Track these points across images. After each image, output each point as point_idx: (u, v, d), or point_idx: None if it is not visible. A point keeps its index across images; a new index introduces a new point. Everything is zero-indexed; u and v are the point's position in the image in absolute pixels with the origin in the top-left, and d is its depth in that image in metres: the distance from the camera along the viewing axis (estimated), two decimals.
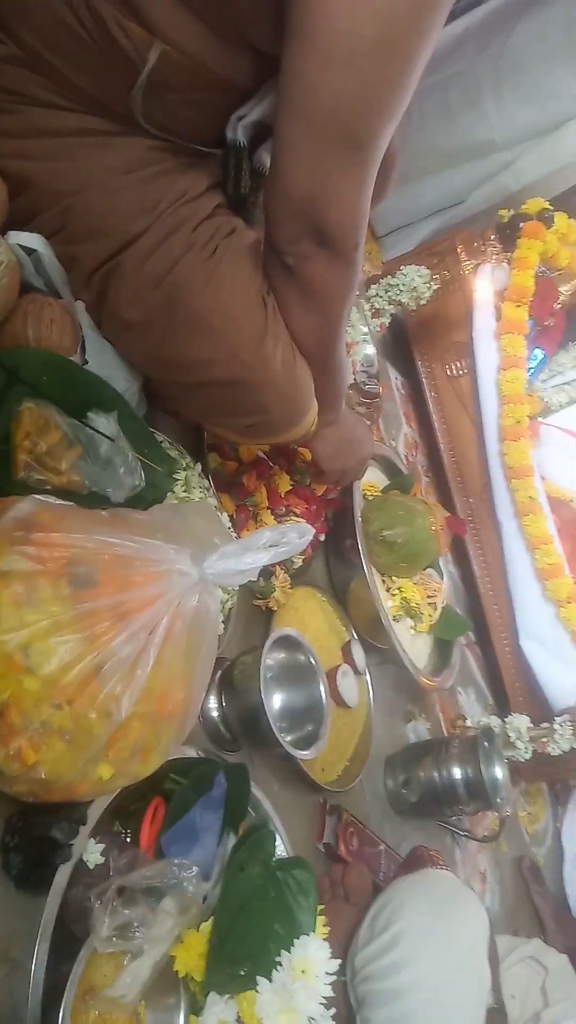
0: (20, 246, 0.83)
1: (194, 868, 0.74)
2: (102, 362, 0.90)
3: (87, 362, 0.90)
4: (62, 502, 0.74)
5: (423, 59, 0.70)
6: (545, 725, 1.62)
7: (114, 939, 0.69)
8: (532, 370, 2.04)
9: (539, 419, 1.99)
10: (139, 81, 0.78)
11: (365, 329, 1.74)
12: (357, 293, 1.67)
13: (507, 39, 1.61)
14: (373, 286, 1.80)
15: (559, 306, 2.03)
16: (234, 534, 1.05)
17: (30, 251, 0.85)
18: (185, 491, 0.99)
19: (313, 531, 0.73)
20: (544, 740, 1.60)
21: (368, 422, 1.62)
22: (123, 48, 0.75)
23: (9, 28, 0.78)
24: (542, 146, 1.87)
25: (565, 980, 1.40)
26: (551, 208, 1.89)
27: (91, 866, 0.73)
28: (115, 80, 0.79)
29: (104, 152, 0.82)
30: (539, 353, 2.09)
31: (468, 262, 1.88)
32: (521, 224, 1.86)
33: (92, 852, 0.73)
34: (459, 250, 1.89)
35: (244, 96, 0.84)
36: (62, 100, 0.81)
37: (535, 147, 1.93)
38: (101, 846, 0.74)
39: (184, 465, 1.02)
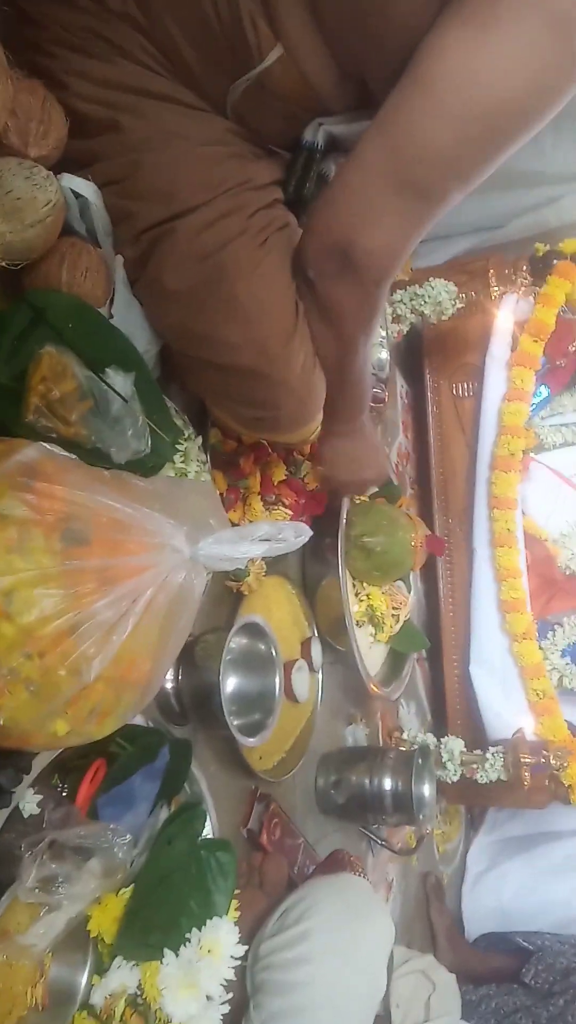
0: (72, 190, 0.81)
1: (128, 835, 0.75)
2: (128, 320, 0.89)
3: (112, 316, 0.89)
4: (67, 454, 0.74)
5: (516, 146, 0.74)
6: (478, 752, 1.65)
7: (37, 890, 0.69)
8: (535, 406, 2.06)
9: (531, 455, 2.01)
10: (247, 75, 0.80)
11: (383, 333, 1.74)
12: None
13: None
14: (399, 291, 1.81)
15: (574, 348, 2.05)
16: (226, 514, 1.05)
17: (78, 195, 0.84)
18: (183, 462, 0.99)
19: (310, 533, 0.73)
20: (474, 766, 1.63)
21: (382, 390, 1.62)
22: (247, 42, 0.78)
23: None
24: None
25: (448, 998, 1.45)
26: None
27: (26, 815, 0.73)
28: (224, 68, 0.81)
29: (185, 121, 0.83)
30: (544, 390, 2.11)
31: (496, 288, 1.89)
32: (555, 261, 1.87)
33: (29, 801, 0.74)
34: (490, 274, 1.89)
35: (325, 115, 0.86)
36: (160, 67, 0.82)
37: None
38: (39, 797, 0.75)
39: (187, 436, 1.01)
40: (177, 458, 0.98)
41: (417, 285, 1.80)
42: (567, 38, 0.68)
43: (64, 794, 0.80)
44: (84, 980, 0.79)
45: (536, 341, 1.84)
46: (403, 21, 0.74)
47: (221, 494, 1.08)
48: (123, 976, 0.78)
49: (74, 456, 0.74)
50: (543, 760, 1.61)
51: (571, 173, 1.95)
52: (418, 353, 2.01)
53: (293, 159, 0.92)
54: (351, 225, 0.78)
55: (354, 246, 0.78)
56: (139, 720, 0.91)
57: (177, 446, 0.98)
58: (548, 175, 1.97)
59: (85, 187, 0.82)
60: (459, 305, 1.81)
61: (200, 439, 1.04)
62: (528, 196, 2.04)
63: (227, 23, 0.78)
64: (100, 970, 0.79)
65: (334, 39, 0.79)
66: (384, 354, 1.71)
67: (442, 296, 1.76)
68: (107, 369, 0.82)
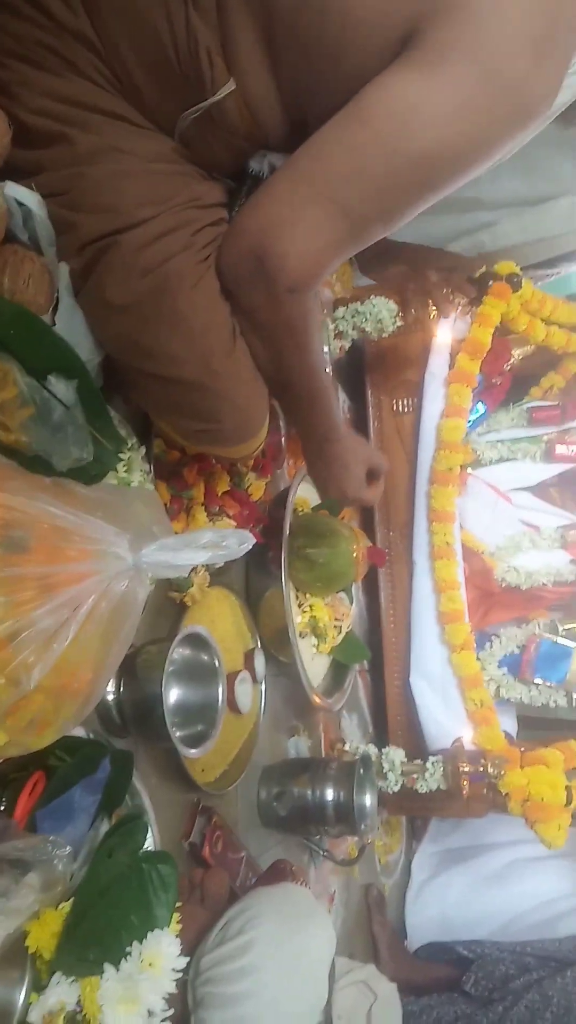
0: (15, 199, 0.81)
1: (67, 847, 0.74)
2: (71, 328, 0.89)
3: (55, 324, 0.89)
4: (7, 460, 0.73)
5: (442, 193, 0.79)
6: (418, 762, 1.67)
7: None
8: (472, 422, 2.11)
9: (469, 470, 2.06)
10: (198, 106, 0.82)
11: (325, 349, 1.77)
12: (323, 314, 1.70)
13: None
14: (340, 308, 1.84)
15: (508, 367, 2.12)
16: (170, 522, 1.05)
17: (22, 204, 0.84)
18: (127, 471, 0.99)
19: (253, 540, 0.74)
20: (415, 776, 1.65)
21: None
22: (202, 74, 0.80)
23: (92, 5, 0.79)
24: (523, 216, 1.94)
25: (390, 1008, 1.45)
26: (520, 274, 1.97)
27: None
28: (176, 96, 0.83)
29: (132, 137, 0.84)
30: (481, 407, 2.17)
31: (434, 307, 1.94)
32: (490, 282, 1.93)
33: None
34: (428, 293, 1.94)
35: (266, 147, 0.90)
36: (109, 86, 0.83)
37: (517, 215, 2.00)
38: None
39: (130, 446, 1.01)
40: (120, 467, 0.98)
41: (359, 302, 1.83)
42: (501, 96, 0.73)
43: (2, 807, 0.79)
44: (21, 998, 0.77)
45: (473, 359, 1.89)
46: (354, 70, 0.78)
47: (165, 504, 1.08)
48: (62, 992, 0.76)
49: (14, 463, 0.73)
50: (481, 769, 1.64)
51: (506, 200, 2.02)
52: (360, 369, 2.05)
53: (239, 186, 0.95)
54: (267, 229, 0.79)
55: (267, 251, 0.79)
56: (79, 731, 0.90)
57: (120, 455, 0.97)
58: (485, 202, 2.04)
59: (28, 196, 0.81)
60: (399, 323, 1.85)
61: (144, 449, 1.04)
62: (464, 220, 2.10)
63: (184, 54, 0.80)
64: (38, 987, 0.77)
65: (284, 80, 0.82)
66: (327, 370, 1.74)
67: (383, 314, 1.80)
68: (49, 376, 0.82)
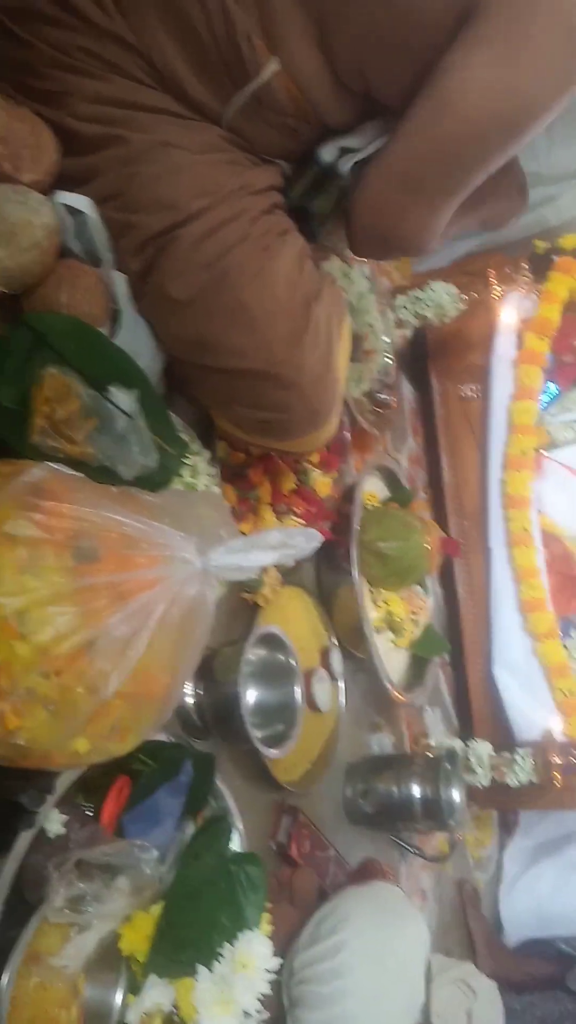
0: (66, 206, 0.82)
1: (154, 851, 0.75)
2: (131, 337, 0.90)
3: (114, 335, 0.90)
4: (73, 472, 0.74)
5: (528, 139, 0.83)
6: (506, 755, 1.63)
7: (66, 910, 0.69)
8: (544, 403, 2.05)
9: (544, 452, 2.00)
10: (243, 91, 0.83)
11: (386, 339, 1.74)
12: (382, 303, 1.68)
13: None
14: (400, 296, 1.81)
15: None
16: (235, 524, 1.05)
17: (75, 212, 0.85)
18: (192, 477, 1.00)
19: (321, 537, 0.73)
20: (503, 769, 1.61)
21: (376, 431, 1.62)
22: (242, 58, 0.80)
23: (127, 4, 0.81)
24: None
25: (490, 1006, 1.42)
26: None
27: (51, 835, 0.73)
28: (219, 84, 0.83)
29: (179, 131, 0.84)
30: (553, 387, 2.10)
31: (497, 287, 1.89)
32: (555, 258, 1.87)
33: (54, 822, 0.73)
34: (490, 273, 1.89)
35: (325, 129, 0.91)
36: (153, 82, 0.83)
37: None
38: (64, 817, 0.75)
39: (194, 450, 1.02)
40: (186, 472, 0.98)
41: (418, 289, 1.80)
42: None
43: (89, 813, 0.80)
44: (119, 1000, 0.78)
45: (542, 338, 1.83)
46: (418, 36, 0.79)
47: (232, 507, 1.08)
48: (158, 994, 0.77)
49: (81, 475, 0.75)
50: (574, 760, 1.59)
51: (566, 173, 1.95)
52: (423, 357, 2.01)
53: (299, 169, 0.94)
54: (387, 227, 0.90)
55: (392, 236, 0.90)
56: (161, 736, 0.90)
57: (185, 460, 0.98)
58: (545, 176, 1.97)
59: (81, 201, 0.83)
60: (461, 307, 1.81)
61: (208, 453, 1.04)
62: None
63: (222, 40, 0.80)
64: (134, 989, 0.78)
65: (337, 54, 0.81)
66: (388, 360, 1.71)
67: (443, 298, 1.76)
68: (110, 387, 0.83)
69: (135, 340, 0.90)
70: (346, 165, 0.93)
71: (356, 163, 0.92)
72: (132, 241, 0.84)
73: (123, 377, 0.85)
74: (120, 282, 0.87)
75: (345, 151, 0.92)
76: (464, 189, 0.86)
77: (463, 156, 0.82)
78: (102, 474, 0.80)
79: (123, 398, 0.84)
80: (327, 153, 0.93)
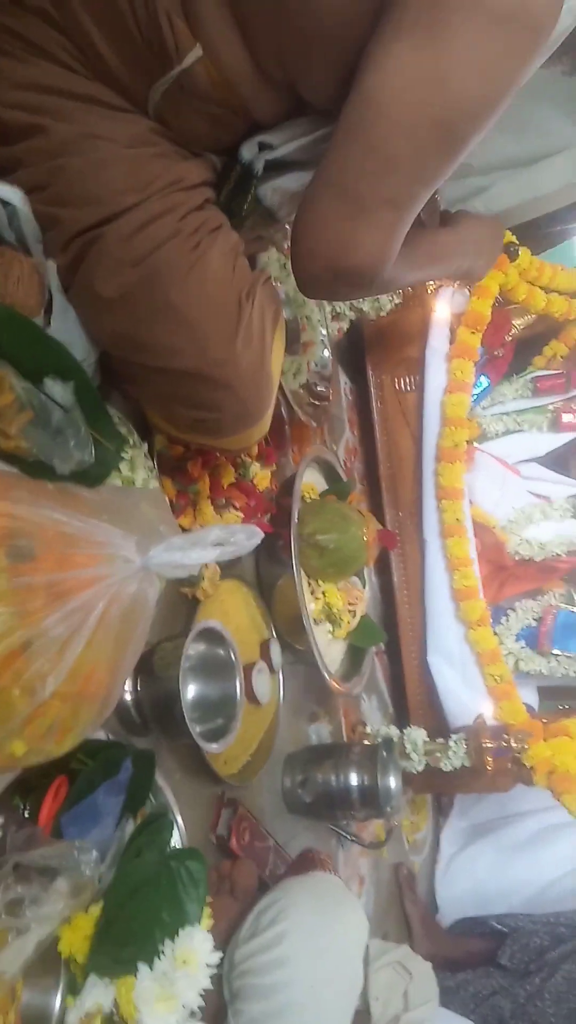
0: None
1: (93, 851, 0.74)
2: (65, 328, 0.87)
3: (50, 325, 0.87)
4: (7, 467, 0.72)
5: (474, 142, 0.77)
6: (440, 740, 1.67)
7: (3, 915, 0.68)
8: (476, 396, 2.09)
9: (475, 444, 2.05)
10: (166, 77, 0.79)
11: (324, 331, 1.75)
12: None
13: None
14: None
15: (510, 338, 2.09)
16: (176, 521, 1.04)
17: (5, 203, 0.83)
18: (130, 471, 0.98)
19: (262, 535, 0.73)
20: (438, 755, 1.65)
21: (314, 423, 1.63)
22: (165, 42, 0.77)
23: None
24: (518, 177, 1.91)
25: (426, 986, 1.45)
26: (517, 243, 1.94)
27: None
28: (143, 68, 0.80)
29: (108, 123, 0.81)
30: (484, 380, 2.15)
31: (432, 281, 1.91)
32: None
33: None
34: None
35: (255, 125, 0.87)
36: (78, 65, 0.80)
37: (511, 177, 1.96)
38: (0, 820, 0.73)
39: (132, 444, 1.00)
40: (123, 466, 0.97)
41: None
42: (516, 29, 0.70)
43: (26, 815, 0.79)
44: (58, 1003, 0.77)
45: (473, 332, 1.87)
46: (330, 24, 0.74)
47: (171, 500, 1.07)
48: (98, 995, 0.76)
49: (15, 470, 0.73)
50: (504, 744, 1.64)
51: (498, 163, 1.98)
52: (359, 349, 2.03)
53: (225, 168, 0.92)
54: (334, 250, 0.80)
55: (341, 267, 0.81)
56: (100, 734, 0.89)
57: (122, 454, 0.96)
58: (475, 167, 2.00)
59: (11, 193, 0.80)
60: (397, 300, 1.83)
61: (146, 446, 1.03)
62: (456, 187, 2.06)
63: (144, 21, 0.77)
64: (74, 991, 0.77)
65: (256, 40, 0.79)
66: (326, 352, 1.72)
67: None
68: (45, 379, 0.81)
69: (70, 331, 0.88)
70: (260, 162, 0.90)
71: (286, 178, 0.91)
72: (59, 236, 0.82)
73: (58, 369, 0.82)
74: (54, 272, 0.85)
75: (264, 147, 0.89)
76: (410, 201, 0.79)
77: (399, 159, 0.75)
78: (37, 469, 0.78)
79: (59, 390, 0.81)
80: (247, 150, 0.90)
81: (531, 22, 0.70)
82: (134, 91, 0.82)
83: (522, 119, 1.83)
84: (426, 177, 0.78)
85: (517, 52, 0.71)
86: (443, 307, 1.90)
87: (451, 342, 1.89)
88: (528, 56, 0.72)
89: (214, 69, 0.79)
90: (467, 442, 1.88)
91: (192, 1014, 0.78)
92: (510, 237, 1.94)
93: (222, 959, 0.90)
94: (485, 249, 1.19)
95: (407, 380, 1.95)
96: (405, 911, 1.79)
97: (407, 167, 0.76)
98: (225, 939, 0.99)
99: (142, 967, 0.78)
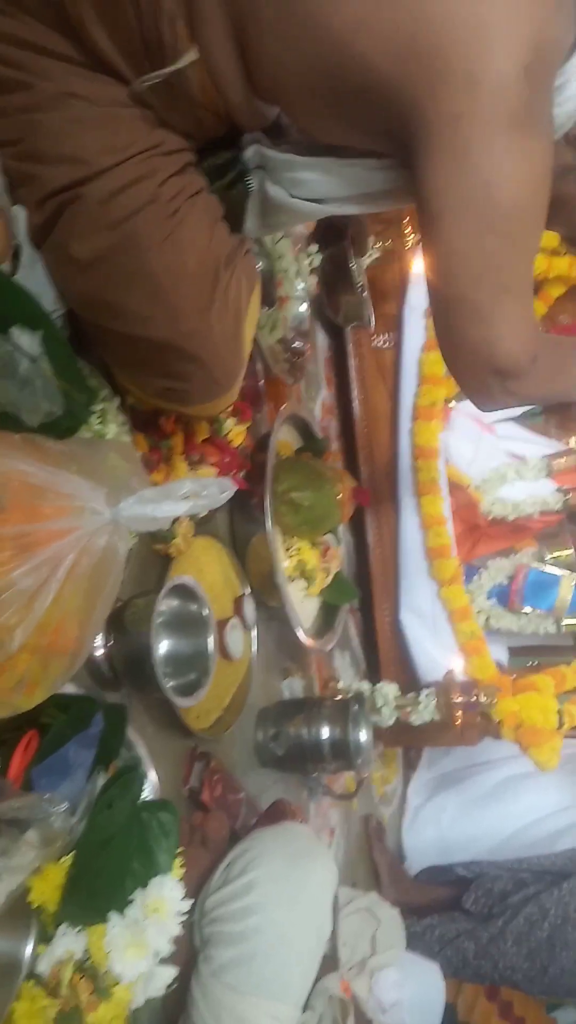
0: None
1: (64, 803, 0.74)
2: (33, 278, 0.85)
3: (15, 273, 0.85)
4: None
5: (539, 230, 0.81)
6: (412, 695, 1.70)
7: None
8: None
9: (452, 403, 2.04)
10: (157, 72, 0.78)
11: (301, 285, 1.72)
12: (298, 247, 1.65)
13: None
14: (314, 243, 1.78)
15: None
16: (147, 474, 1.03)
17: None
18: (101, 423, 0.96)
19: (235, 487, 0.73)
20: (408, 709, 1.67)
21: (290, 380, 1.61)
22: (163, 40, 0.76)
23: None
24: None
25: (393, 931, 1.51)
26: None
27: None
28: (135, 59, 0.78)
29: (86, 81, 0.78)
30: None
31: (411, 235, 1.88)
32: None
33: None
34: (404, 222, 1.89)
35: (236, 131, 0.87)
36: (66, 29, 0.77)
37: None
38: None
39: (103, 397, 0.98)
40: (94, 419, 0.95)
41: None
42: (531, 127, 0.73)
43: None
44: (29, 951, 0.78)
45: None
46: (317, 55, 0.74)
47: (144, 455, 1.06)
48: (69, 942, 0.77)
49: None
50: (474, 699, 1.67)
51: None
52: None
53: (225, 162, 0.90)
54: (482, 355, 0.82)
55: (494, 363, 0.82)
56: (71, 688, 0.89)
57: (93, 407, 0.95)
58: None
59: None
60: (376, 255, 1.80)
61: (118, 399, 1.01)
62: None
63: (146, 17, 0.75)
64: (45, 939, 0.78)
65: (250, 55, 0.78)
66: (303, 307, 1.69)
67: None
68: (12, 328, 0.79)
69: (39, 281, 0.86)
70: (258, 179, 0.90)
71: None
72: (32, 194, 0.79)
73: (26, 318, 0.80)
74: (22, 219, 0.82)
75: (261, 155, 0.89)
76: (518, 281, 0.82)
77: (489, 258, 0.78)
78: (4, 421, 0.76)
79: (26, 340, 0.79)
80: (250, 152, 0.89)
81: (535, 90, 0.73)
82: (119, 73, 0.80)
83: None
84: (522, 254, 0.81)
85: (542, 146, 0.75)
86: (421, 263, 1.88)
87: None
88: (544, 126, 0.76)
89: (206, 74, 0.78)
90: (444, 400, 1.88)
91: (162, 960, 0.79)
92: None
93: (193, 907, 0.92)
94: None
95: (385, 337, 1.94)
96: (373, 860, 1.83)
97: (504, 255, 0.78)
98: (197, 889, 1.00)
99: (113, 915, 0.79)
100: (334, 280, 1.62)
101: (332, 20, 0.72)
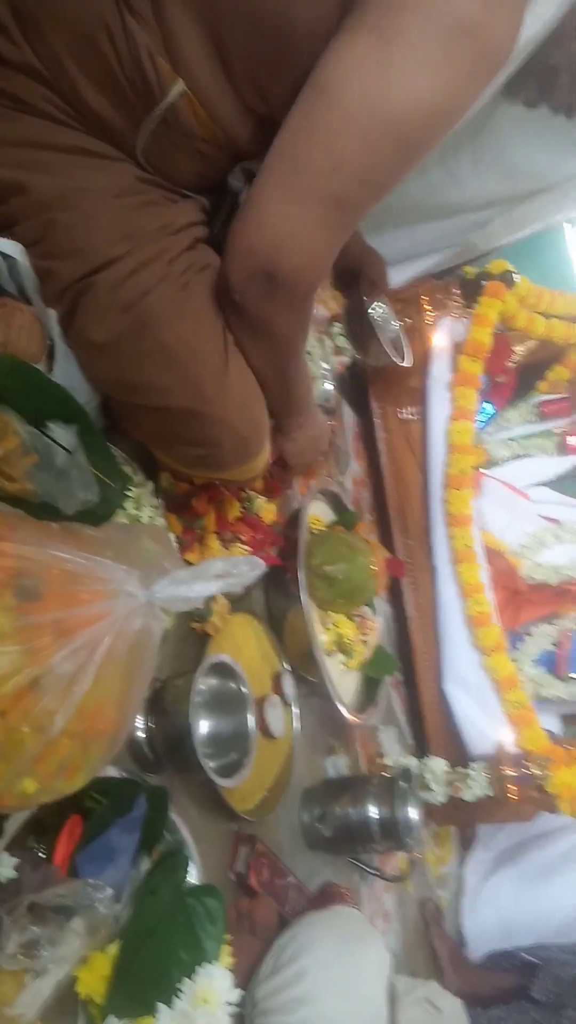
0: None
1: (108, 889, 0.74)
2: (67, 373, 0.90)
3: (52, 371, 0.90)
4: (13, 510, 0.74)
5: (427, 153, 0.76)
6: (461, 770, 1.66)
7: (20, 956, 0.68)
8: (482, 423, 2.11)
9: (483, 470, 2.05)
10: (152, 114, 0.81)
11: (326, 365, 1.77)
12: (320, 330, 1.71)
13: (487, 121, 1.68)
14: (337, 324, 1.85)
15: (512, 364, 2.11)
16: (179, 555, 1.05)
17: (6, 256, 0.86)
18: (136, 508, 1.00)
19: (264, 566, 0.74)
20: (458, 785, 1.63)
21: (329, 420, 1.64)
22: (148, 80, 0.79)
23: (33, 33, 0.79)
24: (512, 213, 1.95)
25: (456, 1023, 1.42)
26: (513, 271, 1.97)
27: (3, 880, 0.72)
28: (129, 109, 0.82)
29: (96, 173, 0.84)
30: (489, 407, 2.16)
31: (431, 312, 1.94)
32: (484, 283, 1.93)
33: (5, 866, 0.72)
34: (423, 300, 1.95)
35: (241, 158, 0.89)
36: (65, 116, 0.83)
37: (506, 213, 2.00)
38: (15, 860, 0.73)
39: (137, 482, 1.02)
40: (129, 504, 0.99)
41: None
42: (470, 45, 0.70)
43: (41, 855, 0.79)
44: None
45: (475, 360, 1.89)
46: (304, 47, 0.75)
47: (177, 536, 1.09)
48: None
49: (21, 512, 0.74)
50: (526, 771, 1.62)
51: (492, 202, 2.03)
52: (362, 381, 2.05)
53: (217, 203, 0.94)
54: (272, 246, 0.78)
55: (279, 267, 0.79)
56: (112, 771, 0.90)
57: (127, 493, 0.98)
58: (467, 206, 2.04)
59: (10, 247, 0.83)
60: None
61: (151, 484, 1.05)
62: (453, 224, 2.10)
63: (127, 61, 0.79)
64: None
65: (238, 74, 0.80)
66: (329, 386, 1.74)
67: None
68: (49, 423, 0.83)
69: (72, 376, 0.91)
70: (243, 179, 0.91)
71: None
72: (52, 288, 0.85)
73: (62, 413, 0.85)
74: (55, 320, 0.87)
75: (250, 175, 0.89)
76: (355, 205, 0.78)
77: (348, 154, 0.73)
78: (43, 510, 0.80)
79: (62, 434, 0.84)
80: (235, 178, 0.91)
81: (482, 45, 0.71)
82: (122, 136, 0.85)
83: (510, 164, 1.88)
84: (374, 179, 0.77)
85: (465, 69, 0.72)
86: (442, 337, 1.93)
87: (453, 371, 1.91)
88: (477, 76, 0.73)
89: (197, 103, 0.81)
90: (474, 468, 1.89)
91: None
92: (506, 265, 1.98)
93: (243, 997, 0.89)
94: (310, 429, 1.15)
95: (411, 410, 1.97)
96: (433, 947, 1.75)
97: (356, 164, 0.74)
98: (246, 977, 0.98)
99: (161, 1007, 0.78)
100: (358, 327, 1.65)
101: None
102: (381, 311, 1.71)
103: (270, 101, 0.82)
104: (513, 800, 1.61)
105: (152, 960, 0.80)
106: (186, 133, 0.84)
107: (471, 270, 1.98)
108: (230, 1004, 0.80)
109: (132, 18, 0.77)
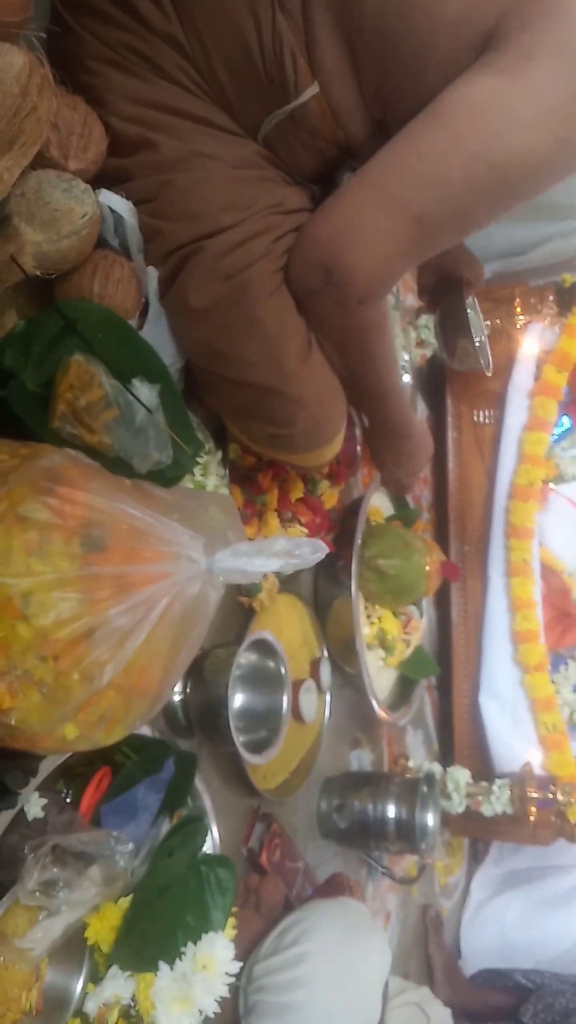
0: (108, 206, 0.83)
1: (130, 843, 0.75)
2: (156, 333, 0.90)
3: (142, 329, 0.90)
4: (90, 461, 0.75)
5: (523, 201, 0.77)
6: (484, 784, 1.64)
7: (37, 893, 0.69)
8: (556, 436, 2.05)
9: (551, 485, 2.01)
10: (282, 109, 0.84)
11: (406, 356, 1.75)
12: (406, 320, 1.68)
13: None
14: (423, 316, 1.82)
15: None
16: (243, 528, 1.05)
17: (113, 211, 0.86)
18: (203, 475, 1.00)
19: (327, 550, 0.74)
20: (479, 798, 1.61)
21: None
22: (285, 77, 0.81)
23: (183, 8, 0.81)
24: None
25: None
26: None
27: (30, 818, 0.73)
28: (260, 98, 0.84)
29: (217, 143, 0.85)
30: (567, 421, 2.11)
31: (521, 316, 1.90)
32: None
33: (34, 805, 0.74)
34: (516, 302, 1.90)
35: (353, 157, 0.90)
36: (196, 88, 0.84)
37: None
38: (43, 801, 0.75)
39: (207, 450, 1.02)
40: (197, 471, 0.99)
41: None
42: None
43: (68, 800, 0.81)
44: (79, 987, 0.78)
45: (560, 371, 1.84)
46: (436, 73, 0.76)
47: (238, 508, 1.09)
48: (117, 986, 0.77)
49: (97, 464, 0.75)
50: (550, 796, 1.59)
51: None
52: (440, 378, 2.02)
53: (323, 195, 0.94)
54: (337, 239, 0.79)
55: (337, 262, 0.79)
56: (146, 730, 0.91)
57: (197, 459, 0.99)
58: None
59: (121, 204, 0.83)
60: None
61: (220, 453, 1.05)
62: (556, 226, 2.05)
63: (269, 56, 0.81)
64: (95, 978, 0.79)
65: (366, 84, 0.82)
66: (406, 378, 1.72)
67: None
68: (133, 380, 0.83)
69: (160, 336, 0.91)
70: None
71: None
72: (160, 248, 0.85)
73: (147, 371, 0.85)
74: (152, 278, 0.88)
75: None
76: (436, 229, 0.78)
77: (445, 177, 0.74)
78: (116, 465, 0.80)
79: (145, 392, 0.84)
80: (344, 173, 0.93)
81: None
82: (246, 119, 0.86)
83: None
84: (461, 208, 0.77)
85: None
86: (531, 343, 1.88)
87: (536, 379, 1.87)
88: None
89: (327, 106, 0.83)
90: (542, 481, 1.85)
91: (206, 1019, 0.78)
92: None
93: (241, 970, 0.90)
94: (410, 454, 1.15)
95: (486, 413, 1.94)
96: (428, 954, 1.74)
97: (449, 188, 0.75)
98: (246, 952, 0.99)
99: (163, 966, 0.79)
100: (451, 327, 1.63)
101: None
102: (473, 315, 1.68)
103: (389, 113, 0.83)
104: (532, 822, 1.59)
105: (160, 919, 0.81)
106: (311, 131, 0.85)
107: (570, 278, 1.92)
108: (229, 975, 0.81)
109: (282, 15, 0.79)
